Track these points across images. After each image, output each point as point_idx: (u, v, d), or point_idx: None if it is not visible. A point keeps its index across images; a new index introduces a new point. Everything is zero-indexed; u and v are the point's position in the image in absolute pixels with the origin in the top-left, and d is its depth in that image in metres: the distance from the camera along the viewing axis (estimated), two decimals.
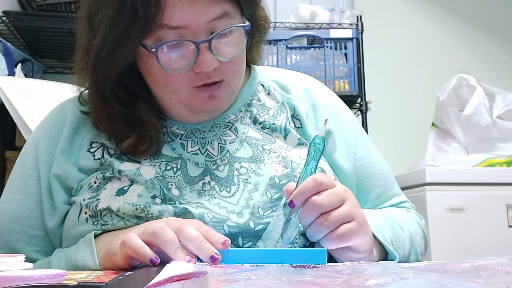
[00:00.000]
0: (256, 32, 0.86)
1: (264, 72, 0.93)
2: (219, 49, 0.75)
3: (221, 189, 0.77)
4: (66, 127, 0.84)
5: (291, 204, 0.67)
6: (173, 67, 0.75)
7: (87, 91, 0.85)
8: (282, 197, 0.76)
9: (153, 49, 0.73)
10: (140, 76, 0.81)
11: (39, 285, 0.45)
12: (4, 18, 1.99)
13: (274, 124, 0.85)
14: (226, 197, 0.77)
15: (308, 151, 0.70)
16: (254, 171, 0.79)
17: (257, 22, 0.85)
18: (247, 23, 0.78)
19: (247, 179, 0.78)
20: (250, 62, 0.93)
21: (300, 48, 2.22)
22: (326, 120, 0.73)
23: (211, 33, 0.74)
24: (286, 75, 0.93)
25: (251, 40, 0.87)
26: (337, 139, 0.87)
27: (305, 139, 0.84)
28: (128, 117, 0.81)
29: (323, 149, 0.70)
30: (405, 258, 0.80)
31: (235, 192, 0.77)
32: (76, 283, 0.47)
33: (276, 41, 2.17)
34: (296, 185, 0.68)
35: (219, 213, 0.74)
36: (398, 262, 0.76)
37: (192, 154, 0.81)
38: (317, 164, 0.70)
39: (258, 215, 0.74)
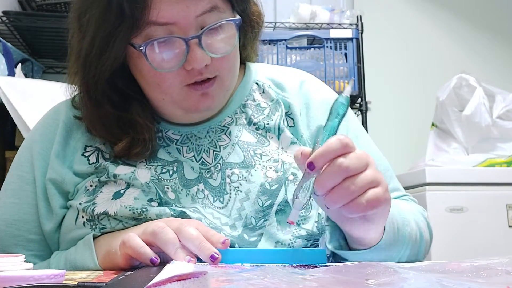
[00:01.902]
0: (249, 28, 0.85)
1: (260, 70, 0.92)
2: (210, 45, 0.73)
3: (215, 199, 0.77)
4: (59, 130, 0.83)
5: (311, 166, 0.59)
6: (164, 65, 0.73)
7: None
8: (273, 204, 0.75)
9: (142, 48, 0.72)
10: (132, 78, 0.80)
11: (39, 285, 0.45)
12: (4, 18, 1.99)
13: (268, 124, 0.83)
14: (219, 207, 0.76)
15: (330, 112, 0.64)
16: (245, 177, 0.77)
17: (250, 18, 0.83)
18: (238, 17, 0.77)
19: (238, 187, 0.77)
20: (246, 60, 0.91)
21: (300, 48, 2.22)
22: (347, 83, 0.69)
23: (201, 29, 0.73)
24: (281, 72, 0.91)
25: (245, 36, 0.85)
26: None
27: (297, 138, 0.83)
28: (121, 120, 0.80)
29: (346, 109, 0.64)
30: (413, 240, 0.77)
31: (227, 202, 0.76)
32: (76, 283, 0.46)
33: (276, 41, 2.17)
34: (313, 150, 0.62)
35: (214, 222, 0.74)
36: (406, 242, 0.74)
37: (187, 158, 0.80)
38: (338, 126, 0.64)
39: (251, 226, 0.74)
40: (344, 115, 0.64)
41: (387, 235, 0.70)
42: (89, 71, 0.77)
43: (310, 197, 0.61)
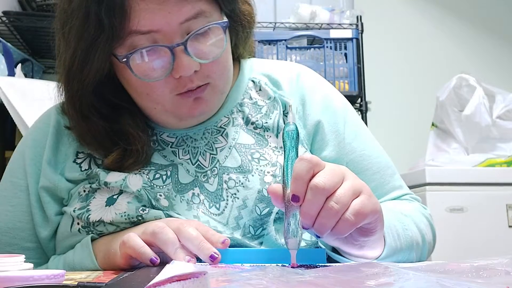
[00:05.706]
0: (240, 28, 0.82)
1: (254, 66, 0.89)
2: (197, 51, 0.71)
3: (211, 205, 0.75)
4: (49, 135, 0.81)
5: (296, 198, 0.56)
6: (150, 75, 0.71)
7: None
8: (271, 212, 0.73)
9: (124, 59, 0.70)
10: (121, 86, 0.77)
11: (39, 285, 0.45)
12: (4, 18, 1.99)
13: (266, 123, 0.81)
14: (216, 214, 0.74)
15: (284, 143, 0.62)
16: (242, 183, 0.76)
17: (240, 18, 0.80)
18: (225, 19, 0.75)
19: (235, 194, 0.75)
20: (239, 58, 0.88)
21: (300, 48, 2.22)
22: (290, 106, 0.67)
23: (187, 34, 0.70)
24: (277, 69, 0.88)
25: (236, 37, 0.83)
26: (327, 132, 0.83)
27: None
28: (112, 132, 0.77)
29: (298, 135, 0.62)
30: (415, 245, 0.75)
31: (224, 209, 0.74)
32: (76, 283, 0.46)
33: (276, 41, 2.17)
34: (283, 182, 0.59)
35: None
36: (409, 244, 0.73)
37: (183, 161, 0.78)
38: (297, 153, 0.61)
39: (249, 235, 0.73)
40: (297, 139, 0.62)
41: (388, 248, 0.68)
42: (72, 86, 0.75)
43: (302, 232, 0.58)
